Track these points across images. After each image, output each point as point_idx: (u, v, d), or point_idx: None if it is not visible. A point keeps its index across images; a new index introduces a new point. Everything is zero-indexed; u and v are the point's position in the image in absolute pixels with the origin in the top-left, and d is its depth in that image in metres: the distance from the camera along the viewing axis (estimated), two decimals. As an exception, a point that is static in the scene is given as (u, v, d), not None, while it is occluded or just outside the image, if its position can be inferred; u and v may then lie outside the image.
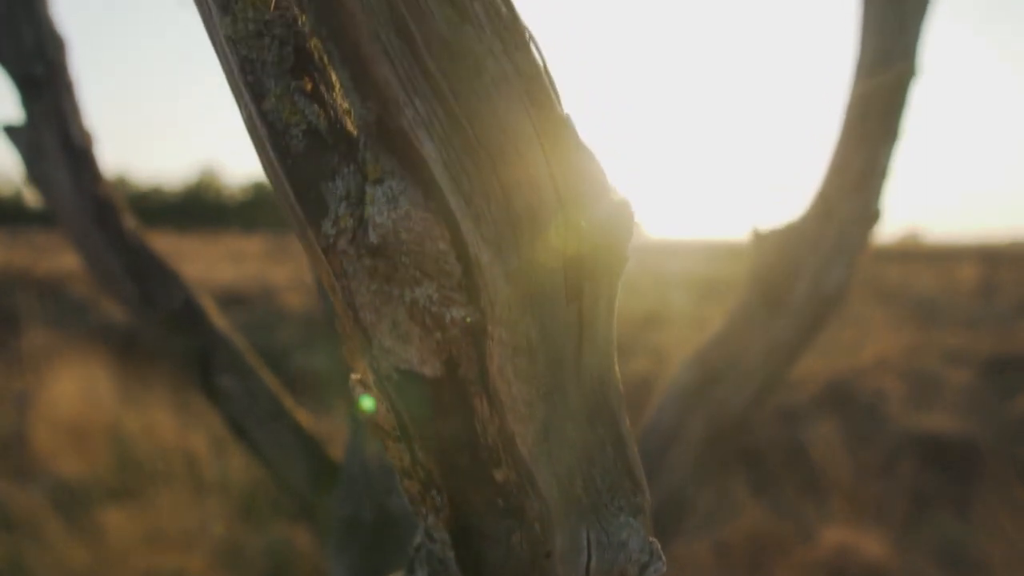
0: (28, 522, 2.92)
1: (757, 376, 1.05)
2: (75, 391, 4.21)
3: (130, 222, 0.97)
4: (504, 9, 0.34)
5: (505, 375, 0.38)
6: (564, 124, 0.36)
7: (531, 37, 0.36)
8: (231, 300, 8.14)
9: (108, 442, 3.69)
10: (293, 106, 0.35)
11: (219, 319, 1.04)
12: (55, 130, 0.92)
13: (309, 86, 0.36)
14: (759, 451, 3.87)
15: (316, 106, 0.36)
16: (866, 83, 1.08)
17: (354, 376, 0.43)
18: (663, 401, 1.12)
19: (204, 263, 10.59)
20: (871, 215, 1.06)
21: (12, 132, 0.94)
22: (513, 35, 0.34)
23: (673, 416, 1.08)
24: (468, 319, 0.36)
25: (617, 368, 0.43)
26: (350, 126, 0.37)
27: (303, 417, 1.04)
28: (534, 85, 0.35)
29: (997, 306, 9.01)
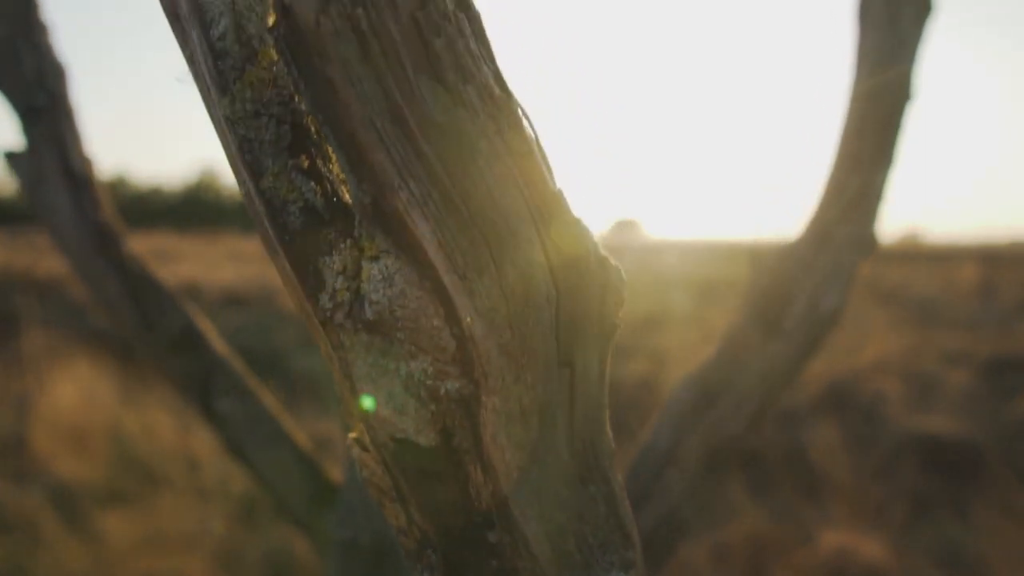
0: (27, 524, 2.93)
1: (753, 398, 1.06)
2: (75, 393, 4.21)
3: (130, 248, 0.98)
4: (497, 90, 0.34)
5: (499, 442, 0.39)
6: (556, 200, 0.37)
7: (524, 113, 0.37)
8: (231, 301, 8.15)
9: (108, 444, 3.70)
10: (290, 184, 0.36)
11: (218, 342, 1.05)
12: (56, 158, 0.93)
13: (306, 163, 0.36)
14: (758, 453, 3.87)
15: (313, 183, 0.36)
16: (863, 102, 1.09)
17: (351, 435, 0.43)
18: (659, 421, 1.13)
19: (204, 264, 10.60)
20: (867, 240, 1.07)
21: (13, 159, 0.94)
22: (506, 115, 0.35)
23: (669, 437, 1.09)
24: (462, 391, 0.37)
25: (608, 427, 0.44)
26: (347, 197, 0.37)
27: (302, 439, 1.05)
28: (526, 163, 0.36)
29: (997, 307, 9.01)
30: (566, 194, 0.38)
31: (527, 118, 0.37)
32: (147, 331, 0.97)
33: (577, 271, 0.39)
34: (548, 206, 0.37)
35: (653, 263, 12.55)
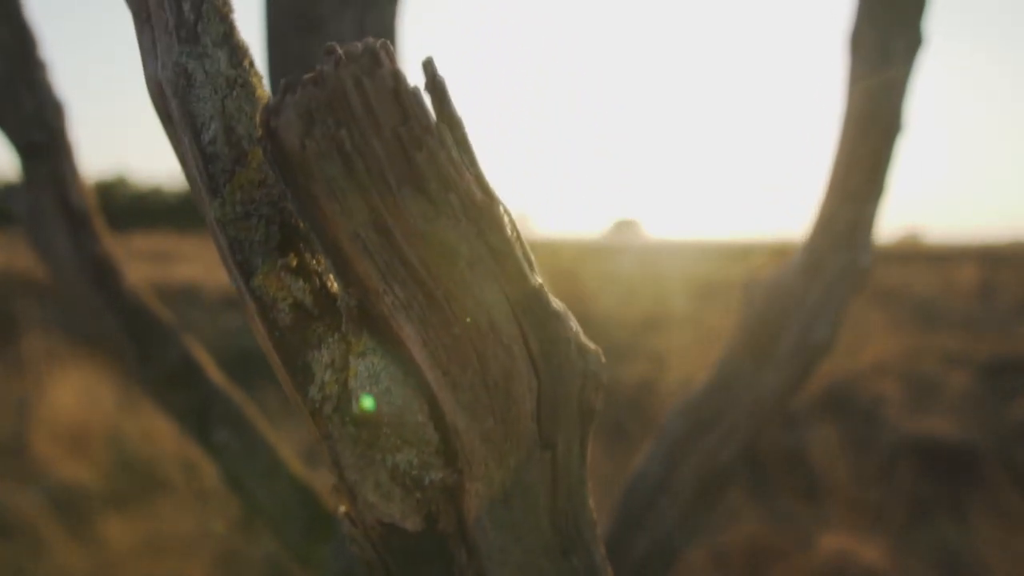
0: (27, 527, 2.93)
1: (744, 428, 1.07)
2: (75, 396, 4.22)
3: (128, 281, 0.99)
4: (479, 195, 0.36)
5: (482, 526, 0.40)
6: (536, 294, 0.38)
7: (505, 211, 0.38)
8: (231, 303, 8.14)
9: (108, 447, 3.71)
10: (280, 282, 0.37)
11: (215, 372, 1.06)
12: (54, 194, 0.94)
13: (295, 261, 0.37)
14: (757, 456, 3.88)
15: (302, 281, 0.37)
16: (854, 134, 1.10)
17: (342, 509, 0.45)
18: (652, 449, 1.14)
19: (203, 265, 10.57)
20: (858, 270, 1.08)
21: (12, 195, 0.95)
22: (487, 218, 0.36)
23: (662, 465, 1.11)
24: (446, 480, 0.38)
25: (591, 501, 0.45)
26: (335, 287, 0.38)
27: (297, 468, 1.06)
28: (507, 261, 0.37)
29: (997, 308, 9.01)
30: (545, 289, 0.39)
31: (508, 215, 0.38)
32: (146, 365, 0.98)
33: (558, 361, 0.40)
34: (528, 301, 0.38)
35: (652, 263, 12.55)
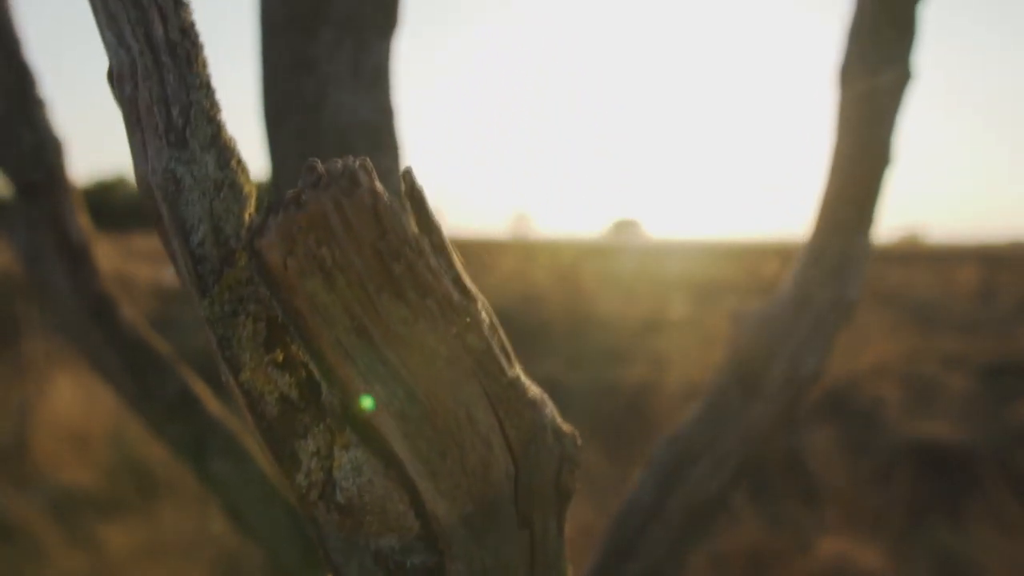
0: (27, 531, 2.94)
1: (733, 459, 1.09)
2: (76, 399, 4.23)
3: (128, 315, 1.00)
4: (456, 297, 0.37)
5: (463, 604, 0.41)
6: (512, 386, 0.40)
7: (483, 306, 0.40)
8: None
9: (108, 450, 3.72)
10: (266, 377, 0.39)
11: (213, 402, 1.08)
12: (53, 231, 0.95)
13: (281, 357, 0.39)
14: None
15: (288, 375, 0.39)
16: (843, 166, 1.11)
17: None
18: (643, 476, 1.15)
19: (205, 264, 10.58)
20: (847, 302, 1.09)
21: (11, 231, 0.97)
22: (464, 319, 0.38)
23: (652, 493, 1.12)
24: (428, 563, 0.40)
25: (569, 571, 0.47)
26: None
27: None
28: (484, 358, 0.39)
29: (997, 309, 9.01)
30: (522, 378, 0.41)
31: (486, 310, 0.40)
32: (144, 397, 1.00)
33: (535, 447, 0.41)
34: (505, 393, 0.40)
35: (652, 264, 12.56)
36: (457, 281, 0.38)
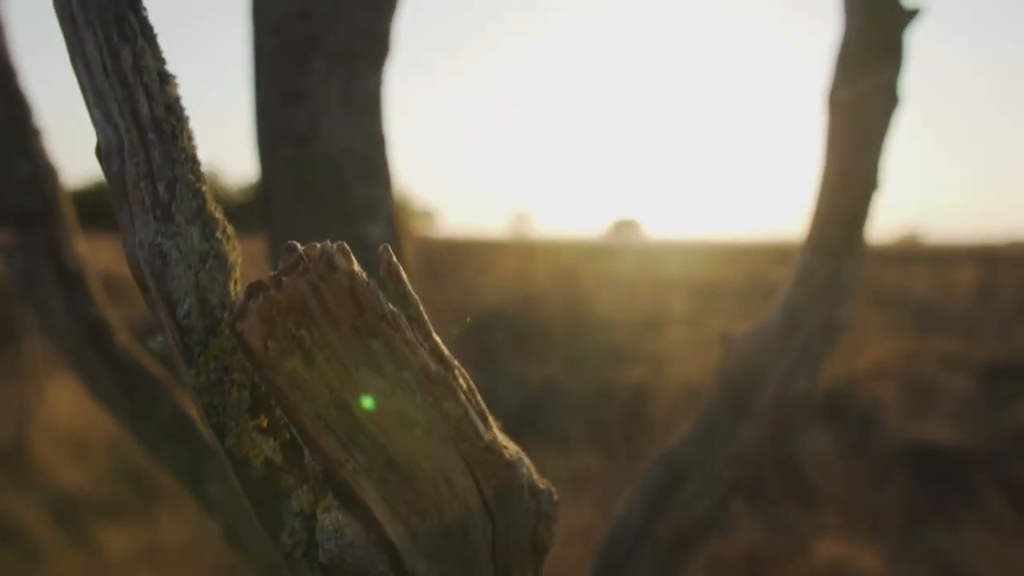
0: (26, 534, 2.95)
1: (722, 480, 1.10)
2: (75, 402, 4.24)
3: (122, 338, 1.02)
4: (433, 367, 0.38)
5: (442, 657, 0.43)
6: (489, 449, 0.41)
7: (460, 373, 0.41)
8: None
9: (107, 454, 3.73)
10: (251, 442, 0.40)
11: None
12: (49, 259, 0.96)
13: (265, 422, 0.40)
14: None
15: (272, 439, 0.40)
16: (832, 190, 1.12)
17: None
18: (633, 496, 1.17)
19: (205, 264, 10.59)
20: (835, 325, 1.11)
21: (8, 257, 0.98)
22: (440, 388, 0.39)
23: (642, 513, 1.13)
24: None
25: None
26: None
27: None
28: (461, 424, 0.40)
29: (996, 310, 9.01)
30: (498, 440, 0.42)
31: (463, 377, 0.41)
32: (139, 420, 1.01)
33: (511, 506, 0.43)
34: (482, 456, 0.41)
35: (652, 264, 12.56)
36: (434, 351, 0.39)
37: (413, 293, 0.39)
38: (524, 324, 7.64)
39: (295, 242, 0.36)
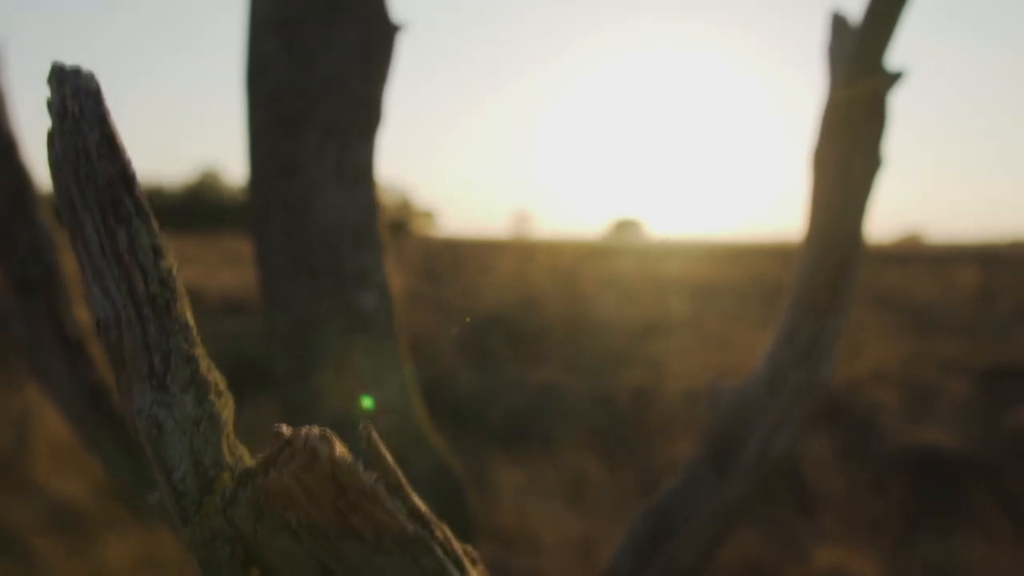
0: (24, 543, 2.97)
1: (707, 533, 1.13)
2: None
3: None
4: (411, 528, 0.41)
5: None
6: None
7: (438, 527, 0.44)
8: (230, 308, 8.18)
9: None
10: (244, 596, 0.42)
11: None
12: (51, 324, 0.99)
13: (257, 575, 0.43)
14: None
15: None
16: (817, 251, 1.15)
17: None
18: (621, 547, 1.20)
19: (204, 267, 10.63)
20: (818, 383, 1.13)
21: (12, 322, 1.01)
22: (418, 547, 0.42)
23: (630, 564, 1.16)
24: None
25: None
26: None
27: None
28: (440, 574, 0.43)
29: (996, 312, 9.01)
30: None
31: (441, 529, 0.44)
32: (138, 479, 1.04)
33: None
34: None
35: (653, 265, 12.57)
36: (412, 512, 0.42)
37: (392, 464, 0.42)
38: (524, 326, 7.66)
39: (281, 426, 0.39)
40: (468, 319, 8.49)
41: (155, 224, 0.43)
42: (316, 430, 0.38)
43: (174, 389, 0.42)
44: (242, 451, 0.45)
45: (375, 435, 0.41)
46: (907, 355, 6.50)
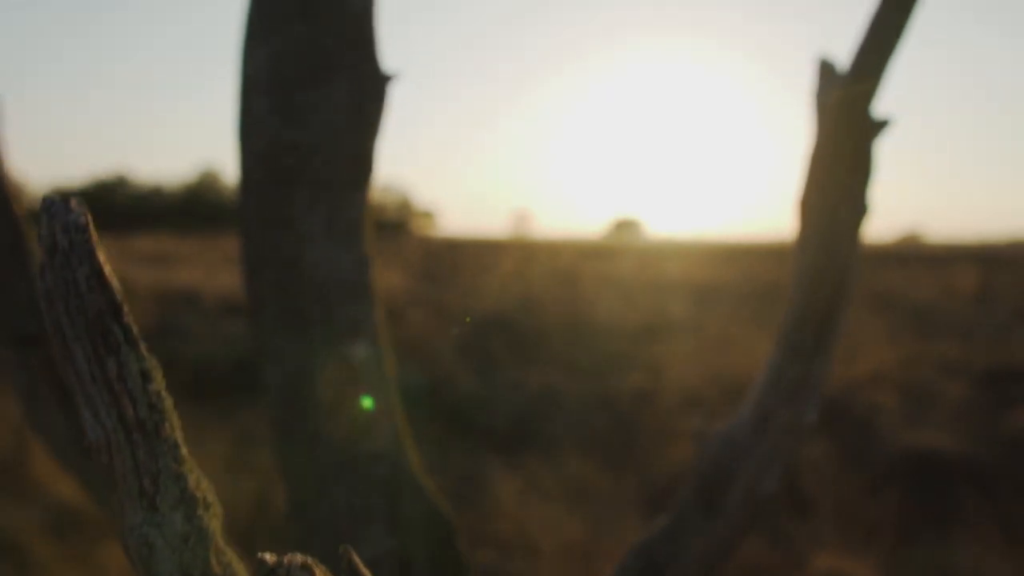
0: (24, 547, 2.99)
1: (695, 572, 1.15)
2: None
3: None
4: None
5: None
6: None
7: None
8: (230, 309, 8.20)
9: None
10: None
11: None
12: (48, 377, 1.01)
13: None
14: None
15: None
16: (803, 294, 1.17)
17: None
18: (611, 584, 1.21)
19: (203, 267, 10.65)
20: (803, 425, 1.15)
21: (9, 374, 1.03)
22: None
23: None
24: None
25: None
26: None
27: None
28: None
29: (995, 313, 9.03)
30: None
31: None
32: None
33: None
34: None
35: (652, 265, 12.59)
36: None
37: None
38: (523, 328, 7.69)
39: (266, 556, 0.41)
40: (468, 320, 8.50)
41: (143, 348, 0.45)
42: (299, 558, 0.40)
43: (164, 508, 0.44)
44: (231, 556, 0.47)
45: (356, 558, 0.43)
46: (906, 356, 6.51)
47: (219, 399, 4.79)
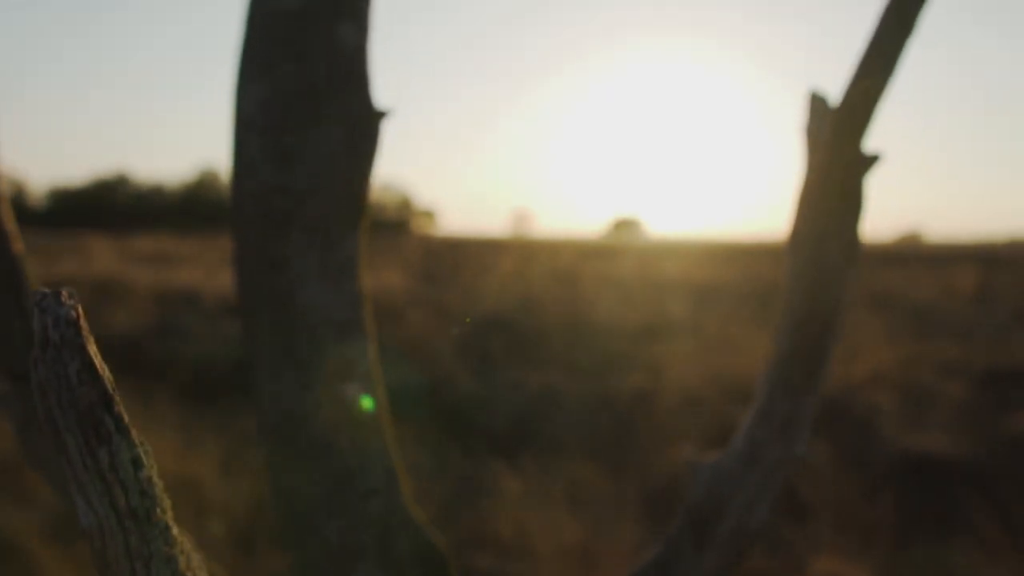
0: (24, 549, 3.00)
1: (685, 605, 1.16)
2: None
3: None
4: None
5: None
6: None
7: None
8: (230, 309, 8.21)
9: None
10: None
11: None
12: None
13: None
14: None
15: None
16: (793, 330, 1.18)
17: None
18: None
19: (203, 268, 10.66)
20: (793, 459, 1.17)
21: (7, 407, 1.04)
22: None
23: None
24: None
25: None
26: None
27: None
28: None
29: (995, 314, 9.02)
30: None
31: None
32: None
33: None
34: None
35: (652, 265, 12.59)
36: None
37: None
38: (523, 328, 7.69)
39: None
40: (468, 320, 8.50)
41: (135, 435, 0.46)
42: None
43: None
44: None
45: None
46: (905, 357, 6.51)
47: (219, 399, 4.80)
